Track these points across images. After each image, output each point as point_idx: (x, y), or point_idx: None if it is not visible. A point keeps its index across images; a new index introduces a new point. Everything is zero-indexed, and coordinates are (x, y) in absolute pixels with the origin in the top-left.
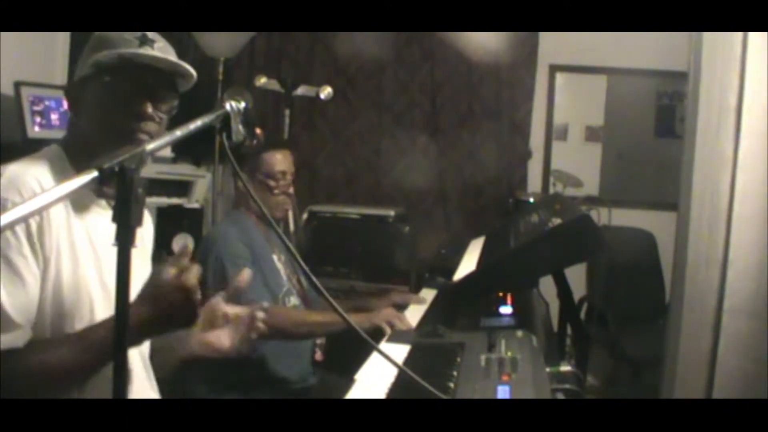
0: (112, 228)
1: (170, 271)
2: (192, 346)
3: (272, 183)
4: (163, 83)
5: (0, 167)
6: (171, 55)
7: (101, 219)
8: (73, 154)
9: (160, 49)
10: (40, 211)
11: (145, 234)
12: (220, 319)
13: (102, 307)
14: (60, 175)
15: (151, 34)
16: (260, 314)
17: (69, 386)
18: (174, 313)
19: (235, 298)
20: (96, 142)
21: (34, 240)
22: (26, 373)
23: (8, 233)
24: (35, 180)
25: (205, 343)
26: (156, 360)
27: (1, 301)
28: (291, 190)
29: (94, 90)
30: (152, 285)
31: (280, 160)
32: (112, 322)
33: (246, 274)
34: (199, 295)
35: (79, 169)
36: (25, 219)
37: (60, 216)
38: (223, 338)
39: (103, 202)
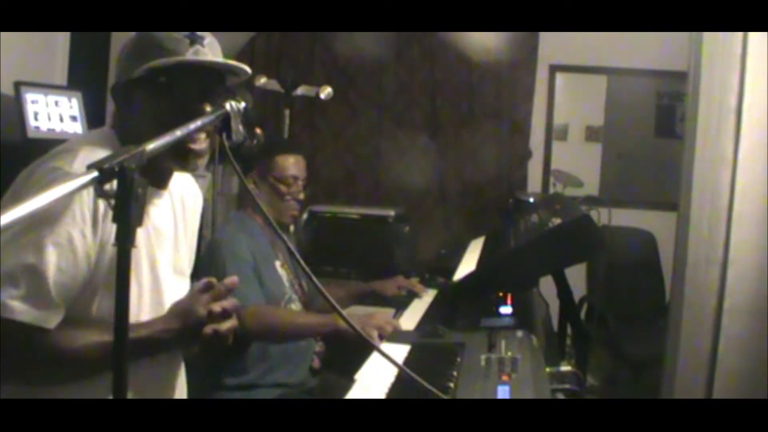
0: (168, 219)
1: (206, 298)
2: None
3: (283, 188)
4: (217, 81)
5: (70, 146)
6: (218, 51)
7: (158, 210)
8: (125, 142)
9: (209, 45)
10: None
11: (189, 214)
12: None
13: (150, 299)
14: None
15: (199, 33)
16: (232, 281)
17: (96, 373)
18: (197, 333)
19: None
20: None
21: (99, 223)
22: (55, 355)
23: (77, 212)
24: None
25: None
26: None
27: (48, 276)
28: (301, 196)
29: (148, 91)
30: (187, 303)
31: (293, 165)
32: (153, 326)
33: (232, 281)
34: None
35: None
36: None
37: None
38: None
39: (161, 194)
